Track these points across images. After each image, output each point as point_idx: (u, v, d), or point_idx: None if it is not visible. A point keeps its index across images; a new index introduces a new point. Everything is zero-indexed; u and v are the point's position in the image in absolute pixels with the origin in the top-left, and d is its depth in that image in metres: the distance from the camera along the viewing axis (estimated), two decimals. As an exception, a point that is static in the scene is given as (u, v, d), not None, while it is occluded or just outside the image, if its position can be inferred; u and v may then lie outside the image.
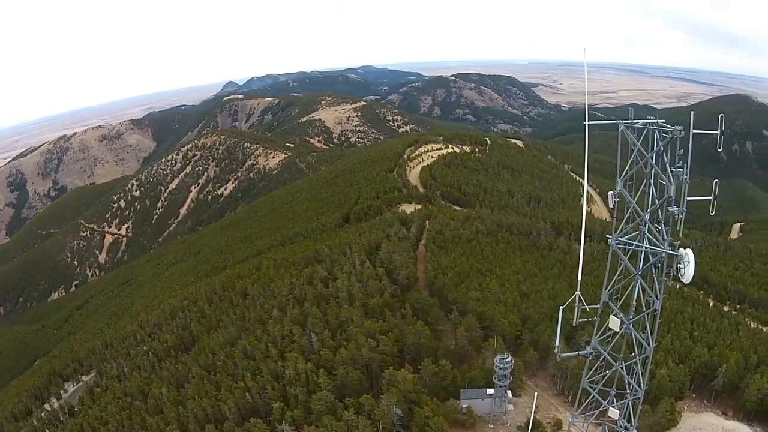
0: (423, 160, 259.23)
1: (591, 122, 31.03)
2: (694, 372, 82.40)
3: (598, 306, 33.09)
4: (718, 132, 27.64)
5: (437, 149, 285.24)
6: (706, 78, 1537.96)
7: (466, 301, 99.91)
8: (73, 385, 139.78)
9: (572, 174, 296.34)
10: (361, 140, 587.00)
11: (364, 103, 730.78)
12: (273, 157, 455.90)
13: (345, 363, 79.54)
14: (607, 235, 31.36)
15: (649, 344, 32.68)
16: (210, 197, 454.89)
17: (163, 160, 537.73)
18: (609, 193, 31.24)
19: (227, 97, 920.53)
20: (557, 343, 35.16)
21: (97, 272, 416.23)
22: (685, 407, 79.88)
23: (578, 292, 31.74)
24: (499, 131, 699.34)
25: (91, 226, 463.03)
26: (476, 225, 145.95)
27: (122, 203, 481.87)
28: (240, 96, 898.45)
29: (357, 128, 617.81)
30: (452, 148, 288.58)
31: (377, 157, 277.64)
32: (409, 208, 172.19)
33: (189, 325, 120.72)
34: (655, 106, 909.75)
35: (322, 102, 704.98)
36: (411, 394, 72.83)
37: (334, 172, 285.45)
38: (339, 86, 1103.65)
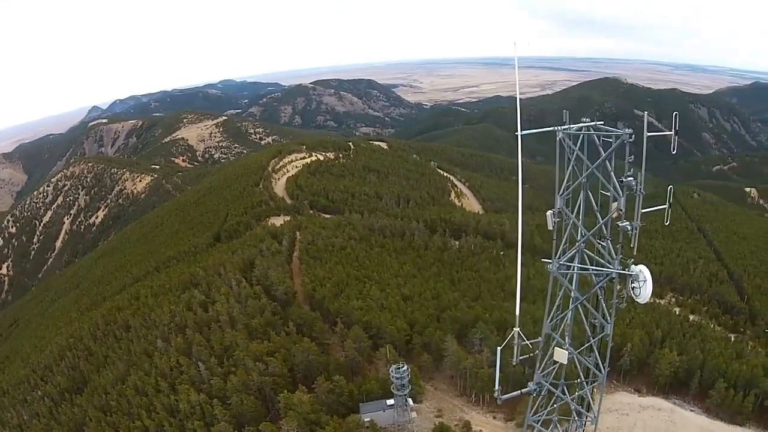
0: (288, 171, 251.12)
1: (524, 132, 24.53)
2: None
3: (540, 339, 29.06)
4: (673, 132, 24.16)
5: (301, 158, 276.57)
6: (571, 65, 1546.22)
7: (349, 312, 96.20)
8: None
9: (439, 170, 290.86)
10: (224, 156, 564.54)
11: (225, 117, 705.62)
12: (140, 181, 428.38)
13: (237, 390, 75.59)
14: (545, 260, 27.04)
15: (600, 371, 29.17)
16: (83, 227, 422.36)
17: (35, 193, 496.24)
18: (548, 213, 26.62)
19: (92, 123, 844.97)
20: (497, 386, 29.03)
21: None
22: (596, 390, 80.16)
23: (517, 329, 27.35)
24: (361, 134, 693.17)
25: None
26: (348, 231, 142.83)
27: (0, 241, 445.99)
28: (104, 120, 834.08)
29: (220, 144, 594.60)
30: (316, 156, 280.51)
31: (242, 171, 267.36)
32: (278, 221, 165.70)
33: (78, 364, 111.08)
34: (519, 96, 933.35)
35: (184, 120, 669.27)
36: (310, 414, 69.71)
37: (201, 191, 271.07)
38: (199, 103, 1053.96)
